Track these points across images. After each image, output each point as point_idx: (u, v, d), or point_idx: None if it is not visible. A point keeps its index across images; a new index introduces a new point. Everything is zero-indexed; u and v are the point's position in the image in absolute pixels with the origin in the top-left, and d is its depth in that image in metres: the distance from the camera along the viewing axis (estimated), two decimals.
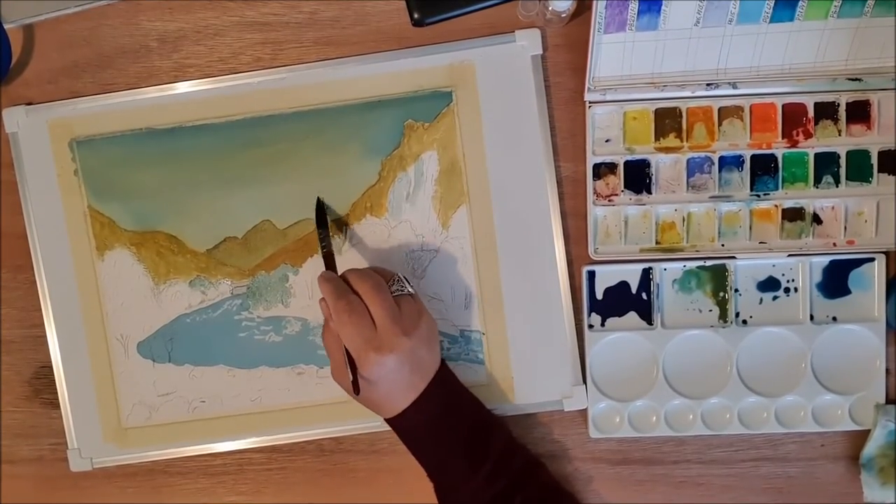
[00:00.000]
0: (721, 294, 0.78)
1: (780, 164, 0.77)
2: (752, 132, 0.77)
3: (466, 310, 0.79)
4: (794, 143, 0.77)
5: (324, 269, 0.75)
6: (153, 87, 0.80)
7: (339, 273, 0.73)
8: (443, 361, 0.74)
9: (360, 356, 0.69)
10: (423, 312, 0.73)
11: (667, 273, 0.79)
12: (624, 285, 0.79)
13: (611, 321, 0.79)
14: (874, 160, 0.77)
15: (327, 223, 0.78)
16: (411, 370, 0.70)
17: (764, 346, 0.78)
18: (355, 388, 0.70)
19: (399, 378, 0.70)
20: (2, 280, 0.82)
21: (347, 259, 0.80)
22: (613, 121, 0.78)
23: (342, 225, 0.79)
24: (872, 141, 0.77)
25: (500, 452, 0.73)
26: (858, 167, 0.77)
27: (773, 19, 0.73)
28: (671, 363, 0.79)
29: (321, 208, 0.78)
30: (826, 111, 0.77)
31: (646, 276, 0.79)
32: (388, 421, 0.73)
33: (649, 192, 0.78)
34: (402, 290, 0.73)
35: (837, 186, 0.77)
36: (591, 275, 0.79)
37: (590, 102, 0.77)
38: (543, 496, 0.74)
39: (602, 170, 0.78)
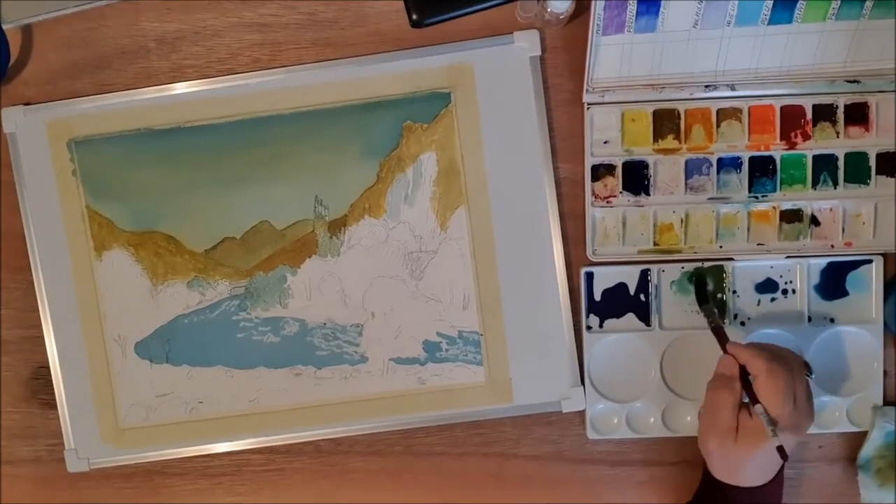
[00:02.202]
0: (719, 295, 0.78)
1: (779, 166, 0.77)
2: (750, 134, 0.77)
3: (465, 311, 0.79)
4: (793, 145, 0.77)
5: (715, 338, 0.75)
6: (151, 87, 0.80)
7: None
8: None
9: (782, 422, 0.68)
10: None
11: (665, 274, 0.79)
12: (622, 287, 0.79)
13: (609, 322, 0.79)
14: (872, 162, 0.77)
15: (708, 298, 0.77)
16: (779, 461, 0.70)
17: None
18: (782, 454, 0.68)
19: (775, 465, 0.71)
20: (0, 280, 0.82)
21: (346, 261, 0.80)
22: (612, 122, 0.78)
23: (340, 226, 0.79)
24: (871, 143, 0.77)
25: None
26: (856, 169, 0.77)
27: (771, 21, 0.73)
28: (669, 364, 0.79)
29: (702, 283, 0.78)
30: (824, 113, 0.77)
31: (644, 277, 0.79)
32: (744, 491, 0.71)
33: (647, 194, 0.78)
34: (810, 375, 0.73)
35: (835, 188, 0.77)
36: (590, 276, 0.79)
37: (588, 104, 0.77)
38: None
39: (600, 171, 0.78)
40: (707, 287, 0.78)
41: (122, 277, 0.81)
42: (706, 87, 0.77)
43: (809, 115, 0.77)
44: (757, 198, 0.78)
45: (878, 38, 0.74)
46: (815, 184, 0.77)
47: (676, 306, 0.79)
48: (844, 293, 0.78)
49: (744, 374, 0.71)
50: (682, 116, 0.77)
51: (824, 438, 0.80)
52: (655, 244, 0.78)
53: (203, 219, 0.80)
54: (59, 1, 0.79)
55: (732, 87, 0.76)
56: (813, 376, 0.73)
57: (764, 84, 0.76)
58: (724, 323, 0.77)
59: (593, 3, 0.72)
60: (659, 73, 0.76)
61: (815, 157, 0.77)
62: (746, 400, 0.70)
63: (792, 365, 0.70)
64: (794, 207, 0.78)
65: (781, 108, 0.77)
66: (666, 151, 0.78)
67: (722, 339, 0.74)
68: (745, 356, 0.70)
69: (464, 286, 0.79)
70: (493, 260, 0.79)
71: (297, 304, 0.80)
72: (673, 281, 0.79)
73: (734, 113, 0.77)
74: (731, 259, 0.78)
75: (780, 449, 0.68)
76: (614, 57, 0.75)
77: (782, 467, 0.72)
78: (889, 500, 0.78)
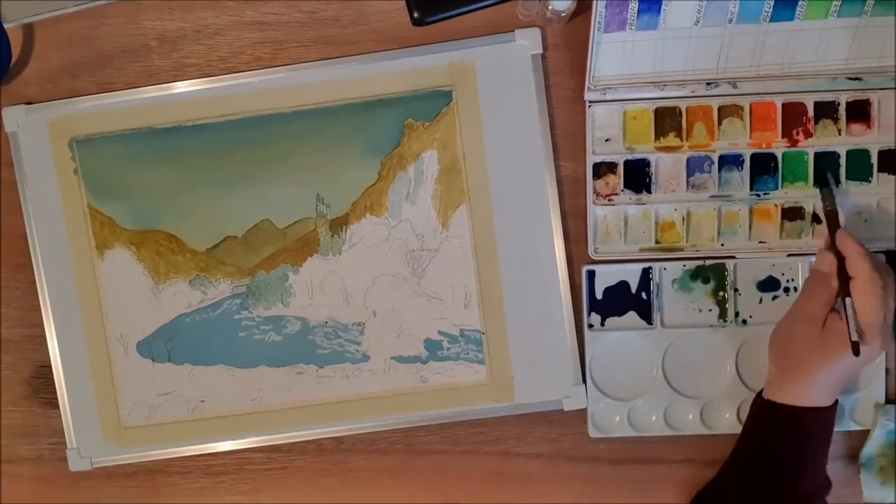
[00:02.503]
0: (721, 293, 0.78)
1: (780, 164, 0.77)
2: (752, 131, 0.77)
3: (466, 309, 0.79)
4: (794, 143, 0.77)
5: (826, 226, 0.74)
6: (153, 86, 0.80)
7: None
8: None
9: (867, 332, 0.67)
10: None
11: (666, 272, 0.79)
12: (624, 285, 0.79)
13: (610, 321, 0.79)
14: (874, 159, 0.77)
15: (828, 182, 0.76)
16: (852, 375, 0.70)
17: (764, 345, 0.77)
18: (854, 349, 0.67)
19: (852, 374, 0.70)
20: (1, 279, 0.82)
21: (347, 259, 0.80)
22: (613, 120, 0.78)
23: (342, 224, 0.79)
24: (872, 140, 0.77)
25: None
26: (858, 166, 0.77)
27: (773, 18, 0.73)
28: (671, 362, 0.79)
29: (822, 170, 0.76)
30: (826, 110, 0.77)
31: (645, 275, 0.79)
32: (803, 410, 0.70)
33: (649, 192, 0.78)
34: None
35: (837, 186, 0.77)
36: (591, 274, 0.79)
37: (590, 102, 0.77)
38: None
39: (602, 169, 0.78)
40: (828, 173, 0.76)
41: (123, 276, 0.81)
42: (708, 84, 0.76)
43: (811, 113, 0.77)
44: (759, 195, 0.77)
45: (880, 36, 0.74)
46: (816, 181, 0.77)
47: (678, 304, 0.79)
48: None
49: (842, 275, 0.69)
50: (684, 114, 0.77)
51: None
52: (657, 242, 0.78)
53: (204, 217, 0.80)
54: (59, 0, 0.79)
55: (734, 85, 0.76)
56: None
57: (765, 81, 0.76)
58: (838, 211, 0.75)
59: (595, 0, 0.72)
60: (660, 71, 0.76)
61: (817, 155, 0.77)
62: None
63: (890, 281, 0.69)
64: (796, 205, 0.78)
65: (783, 105, 0.77)
66: (667, 149, 0.78)
67: (833, 226, 0.73)
68: (852, 250, 0.69)
69: (465, 284, 0.79)
70: (494, 258, 0.79)
71: (298, 302, 0.80)
72: (675, 279, 0.79)
73: (736, 110, 0.77)
74: (733, 257, 0.78)
75: (856, 345, 0.67)
76: (616, 54, 0.75)
77: (836, 402, 0.71)
78: (891, 499, 0.78)
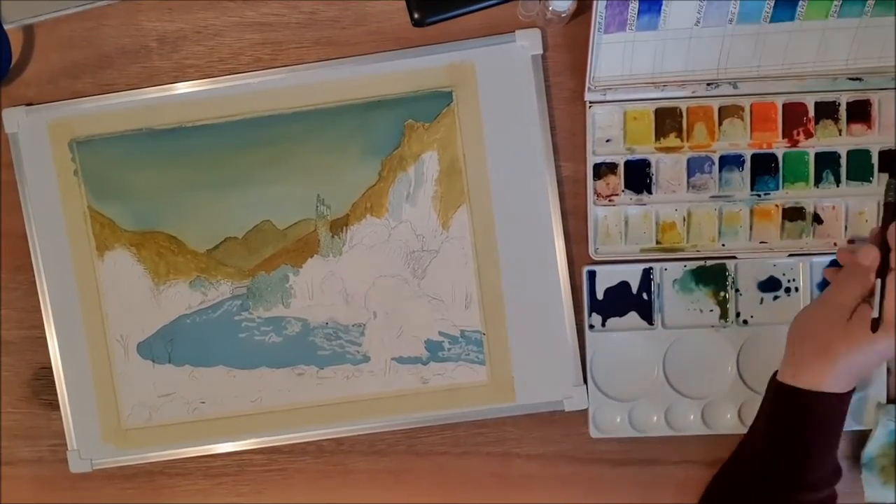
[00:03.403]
0: (722, 294, 0.78)
1: (781, 164, 0.77)
2: (752, 132, 0.77)
3: (467, 310, 0.79)
4: (795, 143, 0.77)
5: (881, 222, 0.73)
6: (153, 87, 0.80)
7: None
8: None
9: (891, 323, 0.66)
10: None
11: (667, 273, 0.79)
12: (624, 285, 0.79)
13: (611, 321, 0.79)
14: (875, 160, 0.77)
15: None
16: (870, 366, 0.69)
17: (765, 345, 0.78)
18: (873, 325, 0.66)
19: (871, 365, 0.69)
20: (1, 281, 0.82)
21: (348, 260, 0.80)
22: (614, 121, 0.78)
23: (342, 225, 0.79)
24: (873, 140, 0.77)
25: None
26: (859, 167, 0.77)
27: (773, 19, 0.73)
28: (672, 363, 0.79)
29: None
30: (826, 111, 0.77)
31: (646, 276, 0.79)
32: (817, 395, 0.68)
33: (650, 192, 0.78)
34: None
35: (838, 186, 0.77)
36: (592, 275, 0.79)
37: (590, 102, 0.77)
38: None
39: (602, 170, 0.78)
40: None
41: (124, 277, 0.81)
42: (708, 84, 0.76)
43: (812, 113, 0.77)
44: (759, 196, 0.77)
45: (880, 36, 0.74)
46: (817, 181, 0.77)
47: (679, 305, 0.79)
48: None
49: (883, 266, 0.68)
50: (684, 114, 0.77)
51: None
52: (658, 243, 0.78)
53: (205, 218, 0.80)
54: (60, 1, 0.79)
55: (734, 85, 0.76)
56: None
57: (766, 82, 0.76)
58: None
59: (595, 1, 0.72)
60: (661, 72, 0.76)
61: (818, 155, 0.77)
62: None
63: None
64: (797, 205, 0.78)
65: (783, 105, 0.77)
66: (668, 150, 0.78)
67: (889, 218, 0.71)
68: None
69: (466, 285, 0.79)
70: (495, 259, 0.79)
71: (299, 303, 0.80)
72: (675, 279, 0.79)
73: (736, 111, 0.77)
74: (734, 257, 0.78)
75: (875, 321, 0.66)
76: (616, 55, 0.75)
77: (851, 392, 0.70)
78: (892, 499, 0.78)
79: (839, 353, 0.68)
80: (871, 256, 0.68)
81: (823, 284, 0.78)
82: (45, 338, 0.81)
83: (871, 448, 0.78)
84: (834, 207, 0.77)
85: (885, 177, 0.77)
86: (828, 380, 0.68)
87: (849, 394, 0.70)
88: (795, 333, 0.71)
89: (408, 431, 0.81)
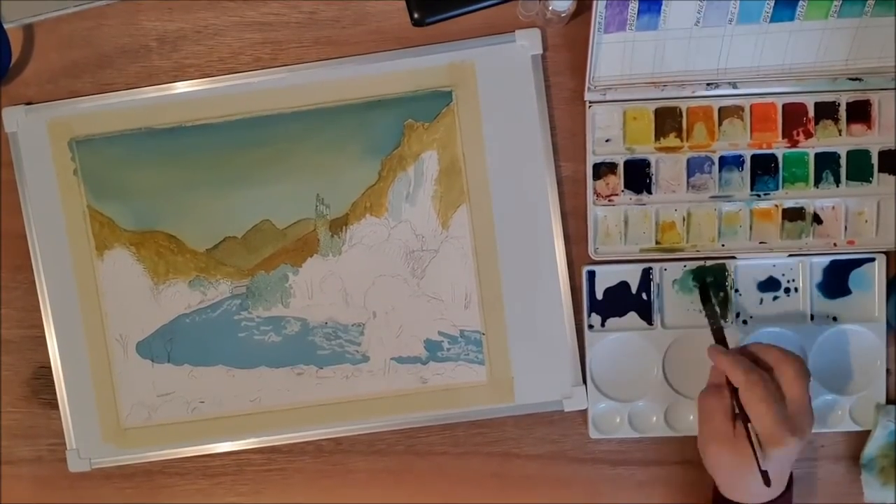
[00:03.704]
0: (721, 294, 0.78)
1: (781, 164, 0.77)
2: (752, 132, 0.77)
3: (466, 310, 0.79)
4: (795, 143, 0.77)
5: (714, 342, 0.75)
6: (153, 86, 0.80)
7: (735, 348, 0.74)
8: None
9: (772, 434, 0.66)
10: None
11: (667, 273, 0.79)
12: (624, 285, 0.79)
13: (611, 321, 0.79)
14: (874, 160, 0.77)
15: (711, 298, 0.77)
16: (790, 464, 0.70)
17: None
18: (765, 479, 0.67)
19: (784, 469, 0.69)
20: (1, 280, 0.82)
21: (347, 260, 0.79)
22: (613, 120, 0.78)
23: (342, 225, 0.79)
24: (873, 141, 0.77)
25: None
26: (859, 167, 0.77)
27: (773, 19, 0.73)
28: (671, 363, 0.79)
29: (705, 283, 0.77)
30: (826, 111, 0.77)
31: (646, 276, 0.79)
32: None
33: (649, 192, 0.78)
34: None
35: (838, 186, 0.77)
36: (592, 275, 0.79)
37: (590, 102, 0.77)
38: None
39: (602, 170, 0.78)
40: (710, 287, 0.78)
41: (123, 277, 0.81)
42: (708, 85, 0.76)
43: (811, 113, 0.77)
44: (759, 196, 0.77)
45: (880, 36, 0.74)
46: (817, 182, 0.77)
47: (679, 305, 0.79)
48: (847, 291, 0.78)
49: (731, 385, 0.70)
50: (684, 114, 0.77)
51: (827, 437, 0.79)
52: (657, 243, 0.78)
53: (204, 218, 0.80)
54: (60, 0, 0.79)
55: (734, 85, 0.76)
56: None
57: (766, 82, 0.76)
58: (725, 323, 0.77)
59: (595, 1, 0.72)
60: (661, 72, 0.76)
61: (818, 155, 0.77)
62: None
63: (786, 369, 0.68)
64: (797, 205, 0.77)
65: (783, 105, 0.77)
66: (668, 150, 0.78)
67: (719, 340, 0.74)
68: (725, 365, 0.70)
69: (465, 285, 0.79)
70: (494, 259, 0.79)
71: (298, 303, 0.80)
72: (675, 279, 0.79)
73: (736, 111, 0.77)
74: (734, 257, 0.78)
75: (765, 474, 0.67)
76: (616, 55, 0.75)
77: (792, 477, 0.71)
78: (892, 500, 0.78)
79: (749, 477, 0.68)
80: (717, 373, 0.70)
81: (823, 285, 0.78)
82: (44, 337, 0.81)
83: (871, 449, 0.78)
84: (834, 208, 0.77)
85: (885, 177, 0.77)
86: (758, 494, 0.70)
87: (787, 489, 0.71)
88: (707, 464, 0.72)
89: (407, 431, 0.81)
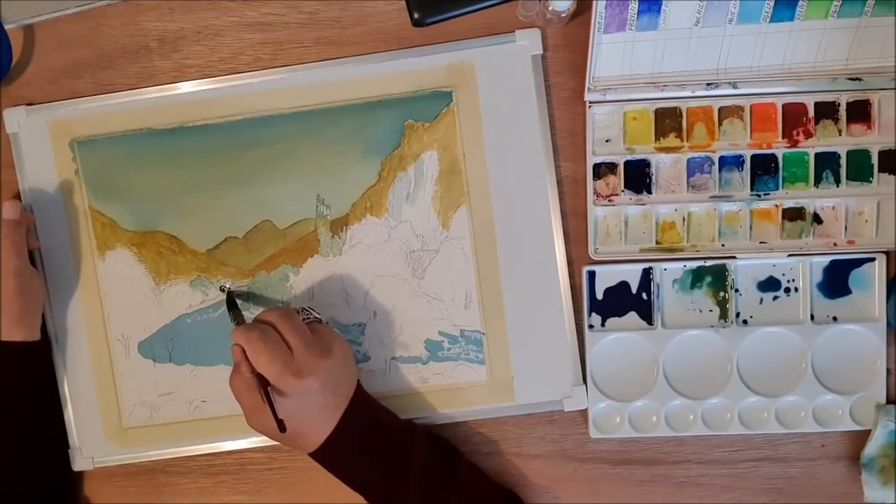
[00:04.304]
0: (721, 294, 0.78)
1: (781, 164, 0.77)
2: (752, 132, 0.77)
3: (466, 310, 0.79)
4: (795, 143, 0.77)
5: None
6: (153, 87, 0.80)
7: None
8: (358, 381, 0.74)
9: (280, 382, 0.68)
10: (335, 334, 0.74)
11: (667, 273, 0.79)
12: (624, 285, 0.79)
13: (611, 321, 0.79)
14: (875, 160, 0.77)
15: (237, 306, 0.78)
16: (333, 391, 0.71)
17: (764, 346, 0.78)
18: (280, 427, 0.68)
19: (322, 401, 0.70)
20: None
21: (348, 260, 0.80)
22: (613, 121, 0.78)
23: (342, 225, 0.80)
24: (873, 141, 0.77)
25: (426, 454, 0.74)
26: (859, 167, 0.77)
27: (773, 19, 0.73)
28: (671, 363, 0.79)
29: (231, 298, 0.79)
30: (826, 111, 0.77)
31: (646, 276, 0.79)
32: (314, 454, 0.72)
33: (649, 192, 0.78)
34: (310, 317, 0.74)
35: (838, 186, 0.77)
36: (592, 275, 0.79)
37: (590, 102, 0.77)
38: (476, 487, 0.75)
39: (602, 170, 0.78)
40: (234, 299, 0.79)
41: (125, 277, 0.81)
42: (708, 85, 0.76)
43: (811, 113, 0.77)
44: (759, 196, 0.77)
45: (880, 36, 0.74)
46: (817, 182, 0.77)
47: (679, 305, 0.79)
48: (847, 291, 0.78)
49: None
50: (684, 115, 0.77)
51: (827, 437, 0.80)
52: (657, 243, 0.78)
53: (205, 218, 0.80)
54: (60, 1, 0.80)
55: (734, 85, 0.76)
56: (317, 316, 0.75)
57: (766, 82, 0.76)
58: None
59: (595, 1, 0.72)
60: (660, 72, 0.76)
61: (818, 155, 0.77)
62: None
63: (275, 320, 0.70)
64: (797, 205, 0.77)
65: (783, 105, 0.77)
66: (668, 150, 0.78)
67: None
68: (234, 337, 0.70)
69: (465, 285, 0.79)
70: (494, 259, 0.79)
71: (299, 303, 0.80)
72: (675, 279, 0.79)
73: (736, 111, 0.77)
74: (734, 257, 0.78)
75: (280, 421, 0.68)
76: (616, 55, 0.75)
77: (346, 418, 0.71)
78: (892, 499, 0.78)
79: (298, 430, 0.70)
80: (234, 353, 0.70)
81: (823, 285, 0.78)
82: (46, 337, 0.81)
83: (871, 449, 0.78)
84: (834, 207, 0.77)
85: (885, 177, 0.77)
86: (313, 440, 0.71)
87: (341, 433, 0.71)
88: (265, 437, 0.73)
89: None
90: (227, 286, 0.80)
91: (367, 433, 0.73)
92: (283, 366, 0.68)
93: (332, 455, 0.72)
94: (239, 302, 0.79)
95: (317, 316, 0.75)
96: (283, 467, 0.82)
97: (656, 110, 0.77)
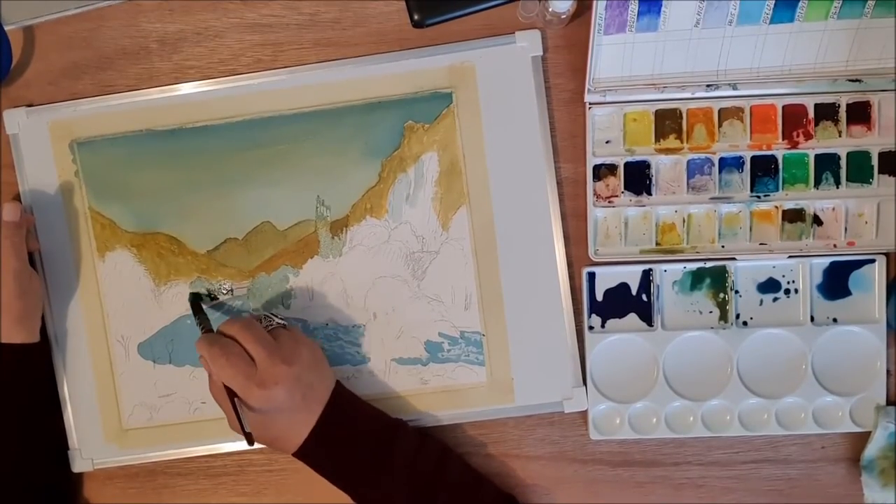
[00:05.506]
0: (721, 295, 0.78)
1: (781, 166, 0.77)
2: (752, 133, 0.77)
3: (466, 311, 0.79)
4: (795, 145, 0.77)
5: None
6: (153, 88, 0.80)
7: None
8: (337, 382, 0.74)
9: (245, 395, 0.69)
10: (301, 338, 0.74)
11: (667, 274, 0.79)
12: (624, 287, 0.79)
13: (611, 323, 0.79)
14: (874, 161, 0.77)
15: (202, 311, 0.78)
16: (303, 397, 0.71)
17: (764, 347, 0.78)
18: (248, 440, 0.69)
19: (291, 407, 0.70)
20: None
21: (348, 261, 0.80)
22: (613, 122, 0.78)
23: (342, 226, 0.80)
24: (873, 142, 0.77)
25: (412, 453, 0.73)
26: (859, 168, 0.77)
27: (773, 20, 0.73)
28: (671, 365, 0.79)
29: (196, 302, 0.79)
30: (826, 112, 0.77)
31: (646, 277, 0.79)
32: (296, 455, 0.73)
33: (649, 194, 0.78)
34: (272, 323, 0.74)
35: (838, 188, 0.77)
36: (592, 276, 0.79)
37: (590, 104, 0.77)
38: (467, 487, 0.75)
39: (602, 171, 0.78)
40: (201, 302, 0.79)
41: (125, 278, 0.81)
42: (708, 86, 0.76)
43: (811, 115, 0.77)
44: (759, 197, 0.77)
45: (880, 37, 0.74)
46: (817, 183, 0.77)
47: (679, 306, 0.79)
48: (847, 293, 0.78)
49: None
50: (684, 116, 0.77)
51: (827, 439, 0.79)
52: (657, 244, 0.78)
53: (205, 219, 0.80)
54: (60, 2, 0.80)
55: (734, 87, 0.76)
56: (280, 322, 0.75)
57: (766, 83, 0.76)
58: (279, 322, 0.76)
59: (595, 2, 0.72)
60: (660, 73, 0.76)
61: (818, 157, 0.77)
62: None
63: (236, 332, 0.71)
64: (797, 207, 0.77)
65: (783, 107, 0.77)
66: (668, 151, 0.78)
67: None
68: (199, 350, 0.71)
69: (465, 286, 0.79)
70: (494, 260, 0.79)
71: (299, 304, 0.80)
72: (675, 281, 0.79)
73: (736, 112, 0.77)
74: (734, 259, 0.78)
75: (248, 435, 0.68)
76: (616, 56, 0.75)
77: (322, 426, 0.72)
78: (892, 501, 0.78)
79: (275, 434, 0.72)
80: (206, 367, 0.71)
81: (823, 286, 0.78)
82: (46, 338, 0.81)
83: (871, 450, 0.78)
84: (834, 209, 0.77)
85: (885, 178, 0.76)
86: (292, 443, 0.72)
87: (318, 432, 0.72)
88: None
89: None
90: (192, 292, 0.80)
91: (348, 432, 0.73)
92: (246, 379, 0.69)
93: (312, 456, 0.73)
94: (205, 307, 0.79)
95: (280, 322, 0.75)
96: (282, 469, 0.82)
97: (656, 112, 0.77)
